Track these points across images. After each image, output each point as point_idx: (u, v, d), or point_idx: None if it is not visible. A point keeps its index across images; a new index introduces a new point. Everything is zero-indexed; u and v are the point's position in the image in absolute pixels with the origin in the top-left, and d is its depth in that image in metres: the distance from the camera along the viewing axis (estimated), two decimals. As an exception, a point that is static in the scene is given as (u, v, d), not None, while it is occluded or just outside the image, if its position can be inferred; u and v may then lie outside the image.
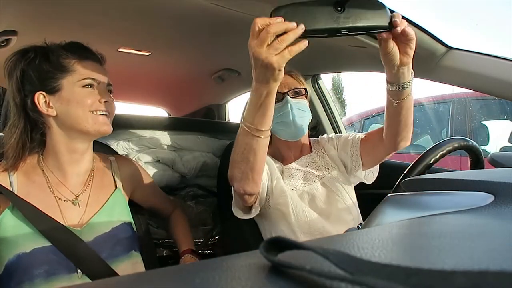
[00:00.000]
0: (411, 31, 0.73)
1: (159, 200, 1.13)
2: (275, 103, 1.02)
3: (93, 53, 0.90)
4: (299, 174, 1.09)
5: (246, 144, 0.80)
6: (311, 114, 1.08)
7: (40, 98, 0.82)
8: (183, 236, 1.09)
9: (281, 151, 1.14)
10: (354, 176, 1.10)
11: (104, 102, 0.86)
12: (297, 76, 1.10)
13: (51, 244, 0.77)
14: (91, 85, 0.85)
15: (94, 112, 0.84)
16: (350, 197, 1.08)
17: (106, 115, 0.86)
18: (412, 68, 0.80)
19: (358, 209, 1.09)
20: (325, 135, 1.22)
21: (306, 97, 1.08)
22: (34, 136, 0.85)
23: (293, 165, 1.11)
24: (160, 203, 1.13)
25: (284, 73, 1.08)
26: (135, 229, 0.94)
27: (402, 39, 0.74)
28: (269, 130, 0.79)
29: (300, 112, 1.03)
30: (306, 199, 1.06)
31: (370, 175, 1.12)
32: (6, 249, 0.76)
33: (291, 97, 1.03)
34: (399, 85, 0.81)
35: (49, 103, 0.82)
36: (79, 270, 0.79)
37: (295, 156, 1.13)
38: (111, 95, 0.89)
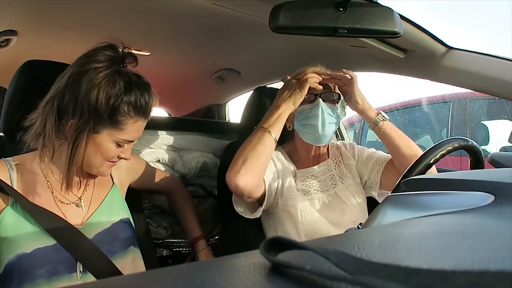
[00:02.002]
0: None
1: (154, 178, 1.13)
2: (306, 104, 1.01)
3: (149, 110, 0.84)
4: (313, 181, 1.06)
5: (251, 138, 0.93)
6: (339, 122, 1.04)
7: (73, 126, 0.76)
8: (192, 221, 1.14)
9: (299, 152, 1.11)
10: (368, 192, 1.08)
11: (122, 157, 0.85)
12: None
13: (52, 244, 0.77)
14: (123, 145, 0.83)
15: (108, 161, 0.84)
16: (360, 209, 1.05)
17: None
18: (413, 68, 0.80)
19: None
20: (346, 141, 1.19)
21: (337, 103, 1.04)
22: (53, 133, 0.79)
23: (308, 170, 1.08)
24: (156, 181, 1.13)
25: (319, 74, 1.05)
26: (133, 225, 0.95)
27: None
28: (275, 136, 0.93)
29: (330, 117, 0.99)
30: (316, 206, 1.04)
31: (383, 195, 1.08)
32: (6, 249, 0.75)
33: (323, 100, 0.99)
34: (369, 123, 1.01)
35: None
36: (78, 271, 0.79)
37: (312, 161, 1.09)
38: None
